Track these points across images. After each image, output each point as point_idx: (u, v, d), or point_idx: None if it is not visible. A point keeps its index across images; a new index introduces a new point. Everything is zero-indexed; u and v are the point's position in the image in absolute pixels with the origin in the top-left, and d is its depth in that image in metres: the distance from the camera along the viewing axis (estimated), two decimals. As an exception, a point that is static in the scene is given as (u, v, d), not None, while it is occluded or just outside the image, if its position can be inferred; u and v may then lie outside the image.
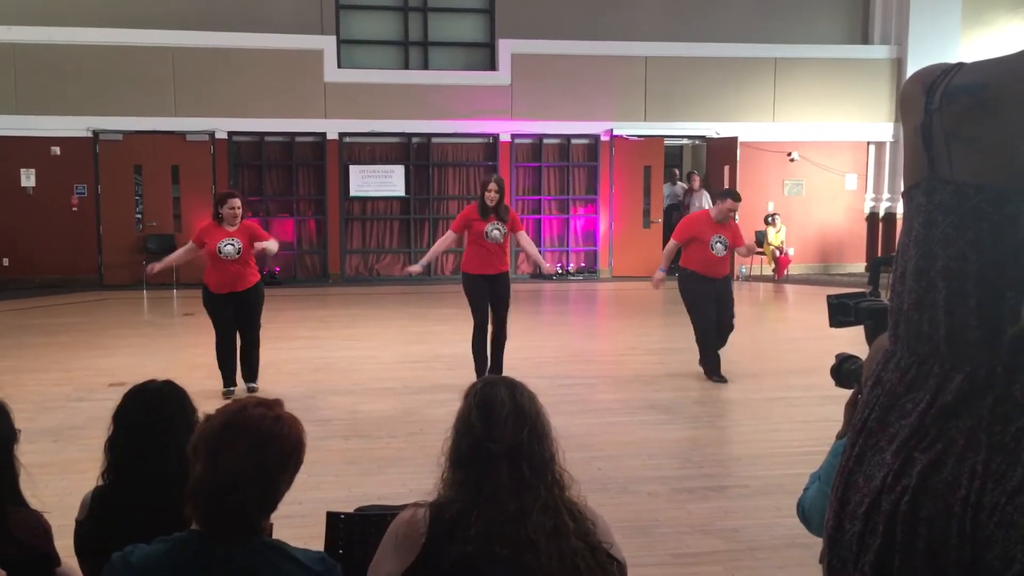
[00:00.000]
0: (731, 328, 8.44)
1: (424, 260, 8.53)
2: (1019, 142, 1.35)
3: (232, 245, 7.48)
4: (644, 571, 4.07)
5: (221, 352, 7.66)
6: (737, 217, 9.22)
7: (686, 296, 8.39)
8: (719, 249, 8.23)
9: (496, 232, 7.88)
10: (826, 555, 1.57)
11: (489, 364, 7.98)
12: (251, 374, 7.75)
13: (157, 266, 7.91)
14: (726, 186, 16.33)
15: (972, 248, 1.41)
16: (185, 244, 8.11)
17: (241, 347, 7.73)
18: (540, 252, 16.37)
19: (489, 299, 7.97)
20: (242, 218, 7.68)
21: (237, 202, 7.64)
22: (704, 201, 16.51)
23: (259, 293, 7.76)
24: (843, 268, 17.47)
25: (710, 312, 8.24)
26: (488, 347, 8.01)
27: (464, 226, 8.02)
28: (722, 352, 8.44)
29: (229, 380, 7.65)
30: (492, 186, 7.96)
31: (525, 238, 8.38)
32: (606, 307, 14.24)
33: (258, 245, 7.63)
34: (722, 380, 8.18)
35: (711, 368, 8.29)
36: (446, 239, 8.50)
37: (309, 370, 8.69)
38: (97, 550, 2.48)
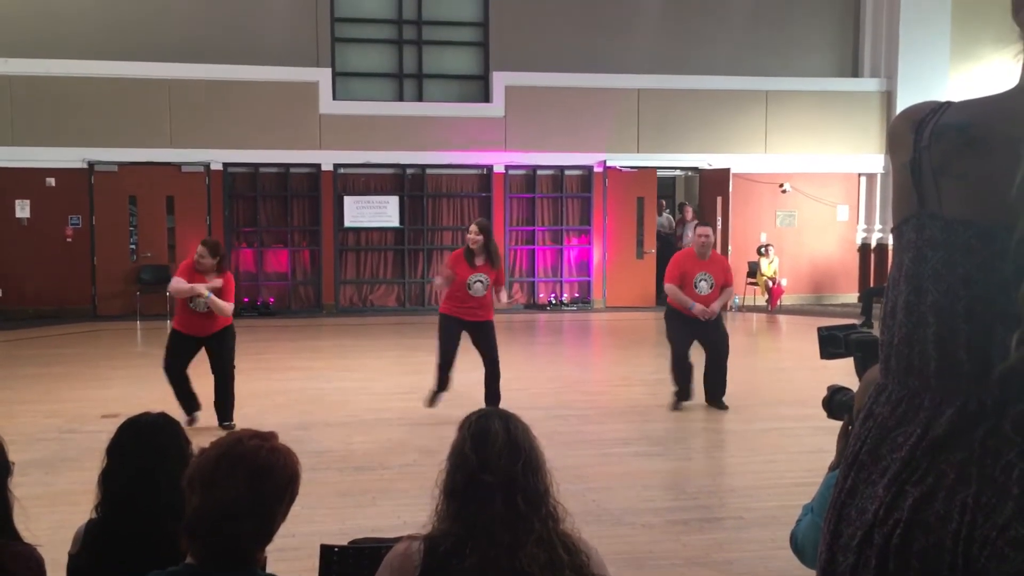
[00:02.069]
0: (722, 371, 8.31)
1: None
2: (1006, 179, 1.37)
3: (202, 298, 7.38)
4: (639, 604, 4.05)
5: (171, 384, 7.52)
6: (730, 253, 9.20)
7: (668, 330, 8.44)
8: (703, 288, 8.20)
9: (479, 284, 7.78)
10: (819, 587, 1.58)
11: (486, 398, 7.85)
12: (224, 414, 7.57)
13: (200, 287, 7.41)
14: (718, 217, 16.43)
15: (962, 283, 1.42)
16: (179, 276, 7.67)
17: (215, 388, 7.57)
18: (532, 282, 16.50)
19: (475, 346, 7.90)
20: (218, 268, 7.49)
21: (203, 251, 7.47)
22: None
23: (229, 335, 7.62)
24: (836, 298, 17.51)
25: (687, 342, 8.26)
26: (479, 382, 7.94)
27: (454, 267, 7.90)
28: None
29: (188, 408, 7.45)
30: (472, 228, 7.86)
31: (500, 291, 8.06)
32: (600, 337, 14.24)
33: (213, 300, 7.37)
34: (677, 409, 8.20)
35: (681, 393, 8.29)
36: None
37: (303, 401, 8.67)
38: (90, 584, 2.47)
